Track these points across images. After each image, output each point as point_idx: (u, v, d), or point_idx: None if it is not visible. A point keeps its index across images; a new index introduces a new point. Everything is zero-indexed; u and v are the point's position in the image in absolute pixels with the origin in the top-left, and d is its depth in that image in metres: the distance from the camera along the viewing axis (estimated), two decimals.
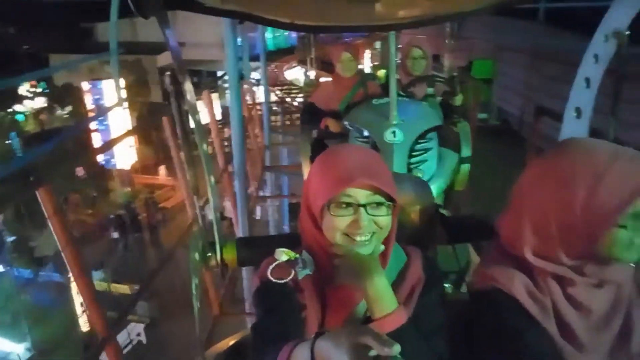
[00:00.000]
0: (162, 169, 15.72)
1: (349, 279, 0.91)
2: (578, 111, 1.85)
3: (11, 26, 23.02)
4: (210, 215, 1.48)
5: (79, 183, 13.31)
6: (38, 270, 10.94)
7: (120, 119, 11.81)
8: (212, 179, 1.44)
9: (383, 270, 0.91)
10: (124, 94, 9.80)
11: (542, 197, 0.88)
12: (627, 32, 1.66)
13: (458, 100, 2.60)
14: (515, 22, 7.41)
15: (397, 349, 0.59)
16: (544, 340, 0.87)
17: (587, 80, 1.81)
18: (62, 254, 1.95)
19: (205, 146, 1.40)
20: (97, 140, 12.41)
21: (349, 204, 0.91)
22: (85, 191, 13.62)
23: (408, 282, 0.98)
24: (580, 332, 0.88)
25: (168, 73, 1.30)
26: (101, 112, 10.57)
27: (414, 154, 2.07)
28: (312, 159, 2.54)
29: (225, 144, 5.34)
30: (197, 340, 1.40)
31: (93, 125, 12.30)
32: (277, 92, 15.38)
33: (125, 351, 7.47)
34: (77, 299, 9.64)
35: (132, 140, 13.60)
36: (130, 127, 13.87)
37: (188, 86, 1.24)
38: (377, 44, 16.80)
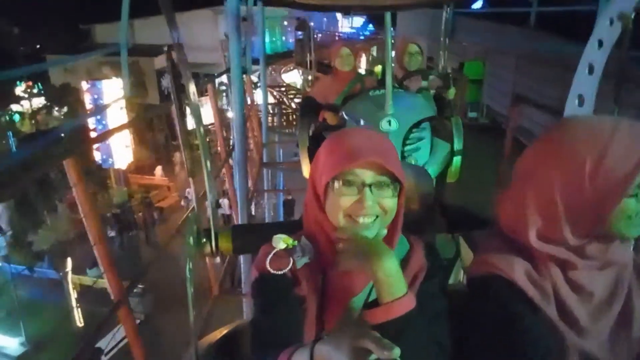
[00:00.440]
0: (158, 170, 15.85)
1: (354, 263, 0.88)
2: (580, 99, 1.79)
3: (14, 26, 23.04)
4: (206, 203, 1.48)
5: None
6: (35, 265, 11.00)
7: (119, 119, 11.93)
8: (209, 163, 1.45)
9: (392, 252, 0.88)
10: (123, 94, 10.00)
11: (547, 176, 0.86)
12: (633, 14, 1.61)
13: (451, 93, 2.70)
14: (505, 27, 7.74)
15: (397, 352, 0.59)
16: (545, 325, 0.86)
17: (591, 67, 1.76)
18: (84, 221, 2.13)
19: (201, 129, 1.42)
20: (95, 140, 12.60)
21: (353, 183, 0.90)
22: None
23: (411, 270, 0.97)
24: (582, 316, 0.87)
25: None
26: (105, 106, 10.65)
27: (408, 142, 2.16)
28: (310, 150, 2.59)
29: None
30: (191, 329, 1.33)
31: (91, 124, 12.42)
32: (275, 94, 15.62)
33: (120, 346, 7.56)
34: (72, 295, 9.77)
35: (128, 140, 13.75)
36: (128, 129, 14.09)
37: (192, 87, 1.30)
38: (374, 50, 17.08)
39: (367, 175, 0.90)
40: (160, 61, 19.47)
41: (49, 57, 19.57)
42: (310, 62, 14.55)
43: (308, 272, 0.97)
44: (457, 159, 2.36)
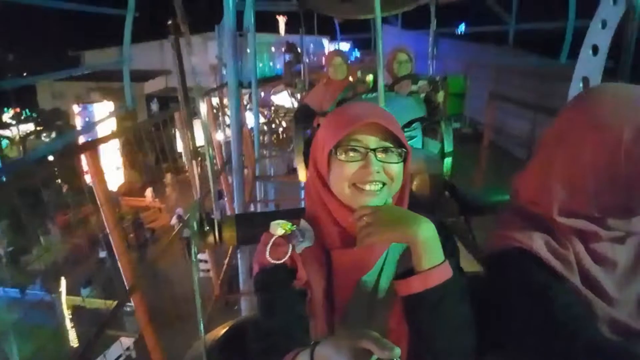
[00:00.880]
0: (148, 192, 15.88)
1: (385, 234, 0.83)
2: (585, 81, 1.76)
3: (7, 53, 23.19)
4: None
5: (67, 203, 13.37)
6: (27, 287, 10.88)
7: (110, 143, 12.03)
8: (211, 150, 1.50)
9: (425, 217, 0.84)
10: (113, 123, 10.14)
11: (578, 143, 0.81)
12: None
13: (440, 96, 2.84)
14: (484, 46, 8.24)
15: (397, 352, 0.58)
16: (572, 293, 0.83)
17: (595, 48, 1.71)
18: (101, 210, 2.30)
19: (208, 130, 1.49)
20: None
21: (357, 149, 0.89)
22: (74, 212, 13.68)
23: None
24: (608, 285, 0.85)
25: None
26: (98, 122, 10.78)
27: None
28: (305, 155, 2.65)
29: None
30: (195, 328, 1.31)
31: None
32: (266, 113, 15.90)
33: None
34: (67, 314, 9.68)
35: (119, 162, 13.82)
36: (119, 150, 14.21)
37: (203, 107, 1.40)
38: (359, 73, 17.49)
39: (371, 140, 0.88)
40: (149, 86, 19.78)
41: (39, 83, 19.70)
42: (303, 81, 14.88)
43: (312, 256, 0.95)
44: (447, 160, 2.48)
